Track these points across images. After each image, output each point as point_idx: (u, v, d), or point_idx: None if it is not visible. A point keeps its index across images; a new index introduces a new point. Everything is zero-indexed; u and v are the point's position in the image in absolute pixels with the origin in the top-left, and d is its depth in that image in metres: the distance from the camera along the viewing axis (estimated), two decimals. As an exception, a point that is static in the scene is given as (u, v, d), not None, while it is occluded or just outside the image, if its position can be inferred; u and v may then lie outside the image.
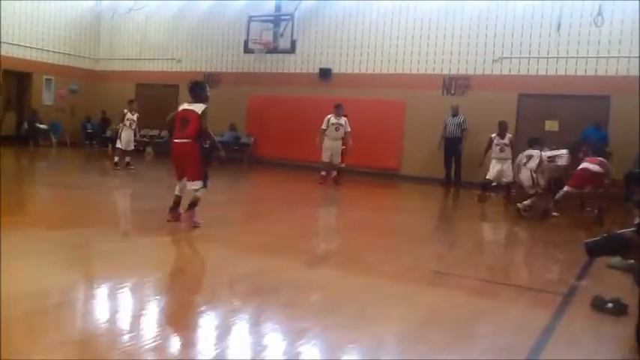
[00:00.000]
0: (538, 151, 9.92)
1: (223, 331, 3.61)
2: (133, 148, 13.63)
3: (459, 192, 13.83)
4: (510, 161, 11.05)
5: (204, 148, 6.70)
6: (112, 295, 4.18)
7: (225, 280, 5.10)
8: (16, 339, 3.20)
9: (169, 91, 19.80)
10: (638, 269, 4.36)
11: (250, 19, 17.39)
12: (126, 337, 3.36)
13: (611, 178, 9.64)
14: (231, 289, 4.70)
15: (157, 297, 4.25)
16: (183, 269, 5.15)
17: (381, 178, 15.47)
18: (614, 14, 13.18)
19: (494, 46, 14.81)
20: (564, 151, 11.21)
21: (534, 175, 9.78)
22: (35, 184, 11.57)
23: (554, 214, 9.58)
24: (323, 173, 12.89)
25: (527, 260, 6.95)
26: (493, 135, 11.39)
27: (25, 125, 19.20)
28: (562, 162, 10.99)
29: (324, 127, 12.66)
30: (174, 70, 19.87)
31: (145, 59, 20.45)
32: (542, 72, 14.27)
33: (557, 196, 9.55)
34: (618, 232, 5.04)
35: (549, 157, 10.47)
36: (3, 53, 18.47)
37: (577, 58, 13.81)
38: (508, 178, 11.11)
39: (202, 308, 4.06)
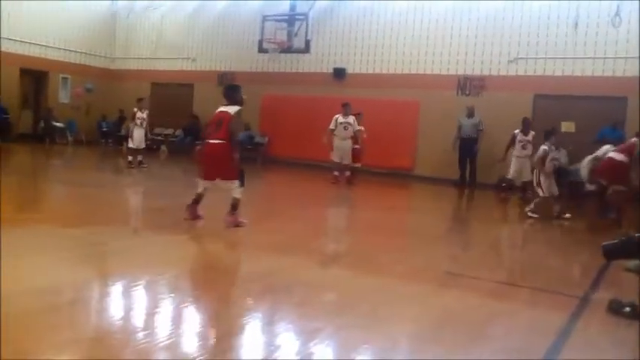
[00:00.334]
0: (545, 146, 9.49)
1: (236, 330, 3.61)
2: (144, 146, 13.69)
3: (474, 193, 13.76)
4: (529, 160, 10.98)
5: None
6: (126, 293, 4.19)
7: (239, 278, 5.11)
8: (29, 335, 3.22)
9: (184, 90, 19.95)
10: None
11: (265, 19, 17.41)
12: (140, 335, 3.37)
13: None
14: (245, 287, 4.70)
15: (171, 295, 4.25)
16: (197, 267, 5.16)
17: (395, 179, 15.42)
18: (632, 14, 13.02)
19: (509, 46, 14.70)
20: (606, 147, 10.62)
21: (536, 175, 9.52)
22: (50, 181, 11.67)
23: (566, 215, 9.40)
24: (336, 173, 12.86)
25: (542, 262, 6.87)
26: (516, 131, 11.25)
27: (42, 123, 19.39)
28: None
29: (332, 127, 12.62)
30: (189, 69, 19.96)
31: (160, 58, 20.56)
32: (558, 73, 14.14)
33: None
34: (636, 234, 4.97)
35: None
36: (20, 52, 18.70)
37: (594, 58, 13.66)
38: (526, 177, 11.00)
39: (215, 307, 4.06)
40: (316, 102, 16.47)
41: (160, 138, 19.25)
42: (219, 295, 4.41)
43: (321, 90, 16.82)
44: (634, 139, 8.60)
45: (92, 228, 6.45)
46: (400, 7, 16.09)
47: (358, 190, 12.64)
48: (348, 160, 12.73)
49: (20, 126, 19.09)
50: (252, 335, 3.57)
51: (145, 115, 13.63)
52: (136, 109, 13.63)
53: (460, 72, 15.33)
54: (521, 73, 14.61)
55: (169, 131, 19.92)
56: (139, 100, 14.10)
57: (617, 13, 12.86)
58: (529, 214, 9.39)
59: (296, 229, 7.49)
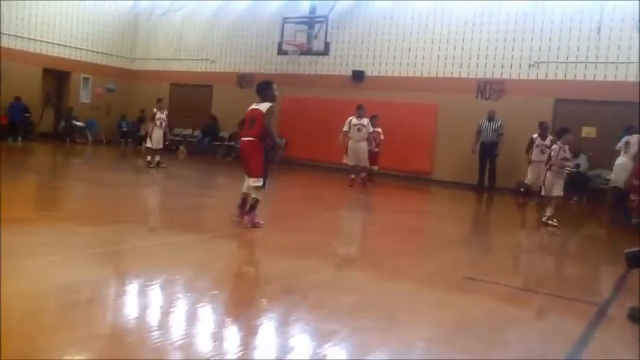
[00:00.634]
0: (556, 145, 9.15)
1: (252, 331, 3.61)
2: (162, 146, 13.78)
3: (493, 197, 13.64)
4: None
5: (267, 148, 6.81)
6: (142, 292, 4.21)
7: (255, 279, 5.11)
8: (46, 332, 3.25)
9: (203, 91, 20.07)
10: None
11: (285, 21, 17.47)
12: (155, 334, 3.38)
13: None
14: (260, 288, 4.70)
15: (187, 295, 4.27)
16: (213, 268, 5.17)
17: (413, 182, 15.35)
18: (657, 19, 12.85)
19: (530, 50, 14.57)
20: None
21: (544, 174, 9.13)
22: (70, 180, 11.80)
23: (554, 222, 9.00)
24: (353, 176, 12.82)
25: (560, 268, 6.80)
26: (534, 135, 11.06)
27: (62, 123, 19.62)
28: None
29: (345, 128, 12.56)
30: (208, 70, 20.08)
31: (179, 59, 20.71)
32: (580, 77, 13.97)
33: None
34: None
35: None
36: (43, 52, 18.97)
37: (617, 63, 13.48)
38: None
39: (231, 307, 4.06)
40: (335, 104, 16.45)
41: (178, 138, 19.40)
42: (235, 296, 4.41)
43: (340, 92, 16.81)
44: None
45: (111, 226, 6.50)
46: (420, 10, 16.04)
47: (375, 193, 12.60)
48: (364, 162, 12.67)
49: (42, 125, 19.32)
50: (267, 336, 3.56)
51: (164, 116, 13.73)
52: (155, 110, 13.73)
53: (480, 75, 15.23)
54: (541, 77, 14.47)
55: (188, 132, 20.06)
56: (159, 100, 14.20)
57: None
58: (550, 221, 9.07)
59: (313, 230, 7.48)
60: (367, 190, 12.58)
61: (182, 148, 19.20)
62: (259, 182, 6.74)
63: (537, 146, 10.81)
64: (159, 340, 3.26)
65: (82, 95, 20.50)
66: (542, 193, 9.22)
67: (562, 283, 5.83)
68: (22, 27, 18.36)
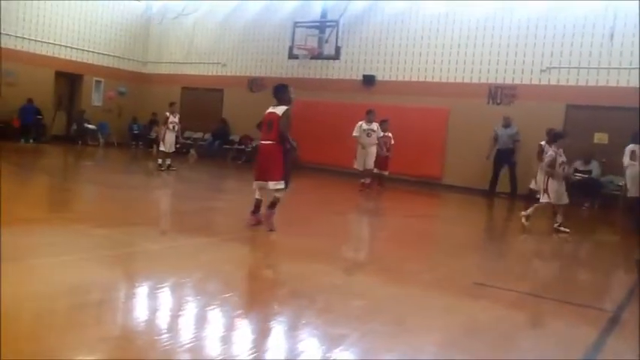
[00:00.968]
0: (552, 151, 9.00)
1: (261, 335, 3.60)
2: (174, 150, 13.85)
3: (504, 203, 13.56)
4: None
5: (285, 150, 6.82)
6: (152, 294, 4.22)
7: (264, 282, 5.11)
8: (55, 332, 3.26)
9: (214, 95, 20.16)
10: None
11: (296, 25, 17.47)
12: (165, 336, 3.39)
13: None
14: (270, 292, 4.70)
15: (197, 297, 4.27)
16: (223, 271, 5.17)
17: (422, 187, 15.31)
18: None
19: (542, 55, 14.51)
20: None
21: (545, 180, 8.94)
22: (82, 182, 11.86)
23: (566, 229, 8.89)
24: (362, 181, 12.78)
25: (572, 275, 6.74)
26: (543, 142, 11.03)
27: (74, 125, 19.76)
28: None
29: (356, 134, 12.47)
30: (219, 74, 20.16)
31: (191, 63, 20.80)
32: (592, 83, 13.89)
33: None
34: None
35: None
36: (55, 55, 19.14)
37: (629, 69, 13.38)
38: None
39: (240, 311, 4.06)
40: (345, 108, 16.44)
41: (189, 142, 19.48)
42: (245, 299, 4.41)
43: (351, 97, 16.81)
44: None
45: (122, 228, 6.53)
46: (431, 15, 16.02)
47: (385, 198, 12.57)
48: (370, 166, 12.56)
49: (54, 127, 19.47)
50: (276, 340, 3.55)
51: (177, 120, 13.80)
52: (168, 113, 13.79)
53: (491, 80, 15.18)
54: (553, 82, 14.39)
55: (198, 135, 20.13)
56: (171, 104, 14.26)
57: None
58: (524, 220, 8.89)
59: (323, 235, 7.47)
60: (377, 195, 12.55)
61: (192, 151, 19.27)
62: (280, 185, 6.75)
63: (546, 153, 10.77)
64: (168, 342, 3.26)
65: (94, 98, 20.65)
66: (546, 200, 8.95)
67: (573, 290, 5.77)
68: (35, 30, 18.54)
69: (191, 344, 3.26)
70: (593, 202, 13.03)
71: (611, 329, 4.31)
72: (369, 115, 12.58)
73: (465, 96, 15.33)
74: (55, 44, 19.10)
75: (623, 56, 13.50)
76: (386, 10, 16.82)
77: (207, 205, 9.39)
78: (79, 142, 19.30)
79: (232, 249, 6.29)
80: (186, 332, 3.49)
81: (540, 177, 10.52)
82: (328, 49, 17.20)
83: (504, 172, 14.20)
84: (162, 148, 13.68)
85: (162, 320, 3.70)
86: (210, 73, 20.38)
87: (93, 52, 20.30)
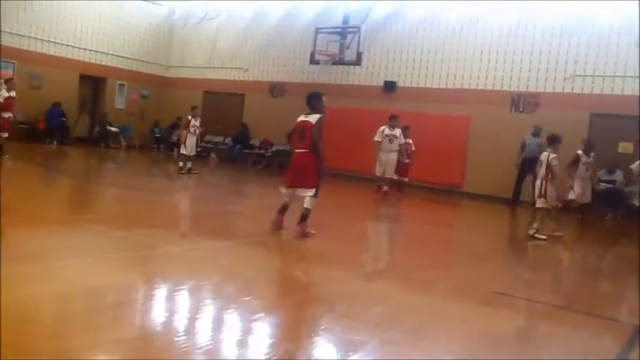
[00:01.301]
0: (547, 152, 8.84)
1: (279, 340, 3.59)
2: (195, 153, 13.94)
3: (526, 212, 13.38)
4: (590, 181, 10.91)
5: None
6: (170, 297, 4.23)
7: (283, 287, 5.10)
8: (75, 332, 3.28)
9: (235, 100, 20.26)
10: None
11: (318, 31, 17.53)
12: (182, 338, 3.39)
13: None
14: (289, 297, 4.68)
15: (215, 300, 4.27)
16: (242, 275, 5.17)
17: (443, 195, 15.20)
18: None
19: (566, 63, 14.34)
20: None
21: (543, 184, 8.77)
22: (103, 184, 11.97)
23: (559, 233, 8.86)
24: (379, 184, 12.64)
25: (594, 286, 6.62)
26: (579, 152, 10.98)
27: (97, 128, 20.00)
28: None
29: (377, 138, 12.34)
30: (241, 79, 20.26)
31: (213, 67, 20.95)
32: (617, 91, 13.68)
33: None
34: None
35: None
36: (80, 58, 19.41)
37: (656, 77, 13.18)
38: (587, 199, 11.00)
39: (258, 315, 4.05)
40: (366, 114, 16.40)
41: (210, 145, 19.60)
42: (263, 304, 4.40)
43: (372, 103, 16.78)
44: None
45: (142, 230, 6.57)
46: (453, 22, 15.93)
47: (405, 205, 12.50)
48: (390, 174, 12.48)
49: (77, 130, 19.71)
50: (294, 345, 3.53)
51: (198, 123, 13.89)
52: (190, 117, 13.89)
53: (514, 88, 15.05)
54: (577, 90, 14.21)
55: (219, 139, 20.24)
56: (193, 108, 14.36)
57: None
58: (536, 235, 8.69)
59: (342, 241, 7.45)
60: (396, 202, 12.47)
61: (213, 155, 19.38)
62: (311, 192, 6.74)
63: (583, 164, 10.91)
64: (186, 344, 3.27)
65: (117, 101, 20.88)
66: (544, 205, 8.81)
67: (596, 301, 5.66)
68: (61, 34, 18.79)
69: (208, 346, 3.26)
70: (616, 212, 12.83)
71: (634, 343, 4.22)
72: (393, 121, 12.45)
73: (486, 103, 15.21)
74: (79, 48, 19.36)
75: (648, 65, 13.28)
76: (408, 16, 16.76)
77: (228, 209, 9.42)
78: (102, 144, 19.52)
79: (252, 253, 6.30)
80: (203, 334, 3.49)
81: (581, 188, 10.75)
82: (349, 55, 17.23)
83: (528, 180, 14.02)
84: (183, 152, 13.77)
85: (181, 322, 3.70)
86: (231, 78, 20.49)
87: (117, 55, 20.53)
